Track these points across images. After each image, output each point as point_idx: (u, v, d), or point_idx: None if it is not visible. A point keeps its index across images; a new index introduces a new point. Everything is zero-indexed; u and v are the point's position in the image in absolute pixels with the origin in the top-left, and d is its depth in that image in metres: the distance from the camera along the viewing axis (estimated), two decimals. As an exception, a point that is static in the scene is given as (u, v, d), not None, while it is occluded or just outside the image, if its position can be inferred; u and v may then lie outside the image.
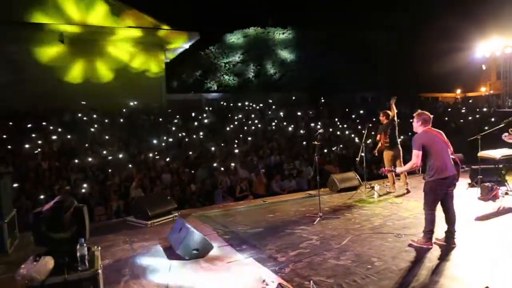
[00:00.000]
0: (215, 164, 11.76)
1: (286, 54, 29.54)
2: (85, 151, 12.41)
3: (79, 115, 15.79)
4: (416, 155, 4.97)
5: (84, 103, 16.65)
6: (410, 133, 12.52)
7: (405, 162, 7.59)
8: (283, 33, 29.65)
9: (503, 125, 7.83)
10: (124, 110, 17.54)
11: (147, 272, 4.67)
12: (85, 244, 3.29)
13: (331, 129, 17.00)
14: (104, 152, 12.38)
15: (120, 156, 12.13)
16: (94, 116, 16.02)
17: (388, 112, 8.73)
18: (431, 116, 5.22)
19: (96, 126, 14.87)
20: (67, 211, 3.42)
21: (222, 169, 11.50)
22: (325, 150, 13.71)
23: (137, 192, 9.65)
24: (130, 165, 11.38)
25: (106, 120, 15.93)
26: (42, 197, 8.89)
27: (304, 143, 14.87)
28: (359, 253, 4.98)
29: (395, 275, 4.27)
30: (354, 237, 5.62)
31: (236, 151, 13.24)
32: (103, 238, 6.11)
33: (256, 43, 29.54)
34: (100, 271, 3.34)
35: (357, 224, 6.31)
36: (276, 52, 29.60)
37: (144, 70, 19.88)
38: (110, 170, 11.05)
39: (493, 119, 14.41)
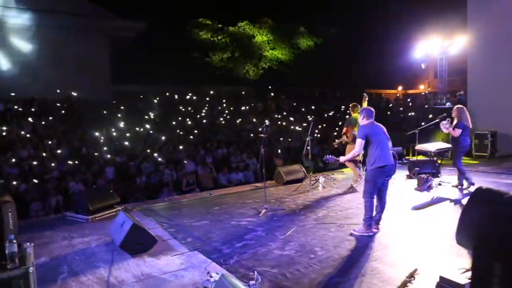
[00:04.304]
0: (161, 158, 11.50)
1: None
2: (21, 145, 11.68)
3: (15, 107, 14.81)
4: (359, 144, 5.28)
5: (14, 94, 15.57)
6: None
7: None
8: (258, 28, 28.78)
9: (438, 120, 8.38)
10: (64, 101, 16.66)
11: (87, 269, 4.48)
12: (14, 241, 3.08)
13: (278, 122, 17.20)
14: (44, 145, 11.73)
15: (60, 149, 11.54)
16: (31, 107, 15.09)
17: (358, 105, 8.42)
18: (373, 110, 5.56)
19: (32, 118, 13.98)
20: None
21: (169, 162, 11.29)
22: (272, 143, 13.85)
23: (77, 187, 9.24)
24: (70, 159, 10.86)
25: (44, 112, 15.06)
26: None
27: (252, 135, 14.95)
28: (303, 243, 5.08)
29: (337, 263, 4.41)
30: (299, 227, 5.73)
31: (183, 144, 13.04)
32: (40, 234, 5.81)
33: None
34: (32, 268, 3.14)
35: (302, 215, 6.44)
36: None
37: (86, 59, 18.72)
38: (49, 164, 10.50)
39: (430, 116, 15.26)
